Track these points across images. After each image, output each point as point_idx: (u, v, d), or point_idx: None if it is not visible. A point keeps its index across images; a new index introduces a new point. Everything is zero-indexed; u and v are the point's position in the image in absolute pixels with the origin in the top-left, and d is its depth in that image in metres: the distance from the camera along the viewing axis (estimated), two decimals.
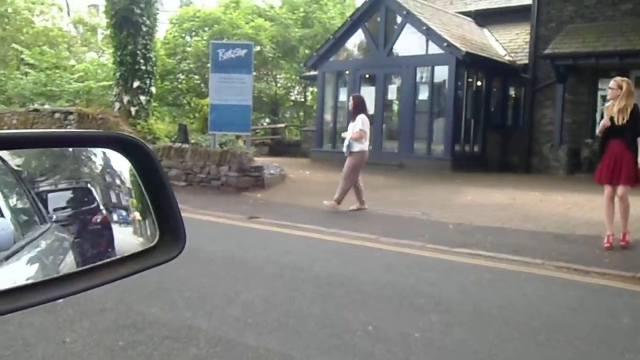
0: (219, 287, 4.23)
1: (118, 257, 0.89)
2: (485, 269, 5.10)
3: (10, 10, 18.43)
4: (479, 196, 9.37)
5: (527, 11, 14.67)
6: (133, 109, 12.00)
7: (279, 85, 23.32)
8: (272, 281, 4.50)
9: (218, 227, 7.11)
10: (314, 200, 8.62)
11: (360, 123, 8.14)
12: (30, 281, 0.78)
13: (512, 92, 15.78)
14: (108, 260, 0.88)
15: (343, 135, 8.60)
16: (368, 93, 15.08)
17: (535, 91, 14.35)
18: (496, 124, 15.07)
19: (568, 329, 3.56)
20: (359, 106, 8.39)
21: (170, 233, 0.92)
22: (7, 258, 0.76)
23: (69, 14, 25.38)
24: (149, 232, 0.94)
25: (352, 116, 8.39)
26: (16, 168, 0.84)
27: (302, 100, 23.60)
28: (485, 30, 16.43)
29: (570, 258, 5.46)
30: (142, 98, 12.12)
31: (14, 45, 17.38)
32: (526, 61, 14.57)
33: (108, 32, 13.78)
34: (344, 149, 8.28)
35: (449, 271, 5.05)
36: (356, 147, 8.13)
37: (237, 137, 12.13)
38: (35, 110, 13.00)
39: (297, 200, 8.93)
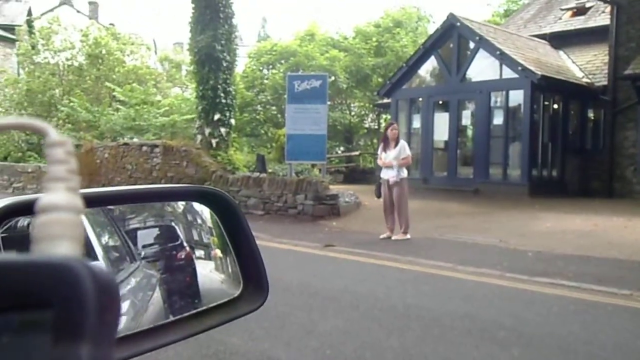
0: (296, 317, 4.30)
1: (205, 307, 0.91)
2: (568, 300, 4.94)
3: (104, 51, 19.86)
4: (558, 222, 9.07)
5: (605, 32, 14.20)
6: (214, 141, 12.55)
7: (352, 113, 23.61)
8: (348, 311, 4.56)
9: (294, 255, 7.27)
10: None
11: (406, 148, 8.36)
12: (121, 334, 0.77)
13: (590, 115, 15.20)
14: (195, 311, 0.90)
15: (383, 162, 8.39)
16: (442, 119, 15.04)
17: (616, 113, 13.77)
18: (575, 147, 14.54)
19: None
20: (399, 133, 8.76)
21: (253, 283, 0.93)
22: None
23: (156, 52, 27.05)
24: (230, 269, 0.97)
25: (389, 143, 8.34)
26: (108, 207, 0.88)
27: (376, 127, 23.74)
28: (561, 53, 16.00)
29: None
30: (222, 130, 12.66)
31: (107, 83, 18.67)
32: (605, 83, 14.04)
33: (191, 68, 14.53)
34: (391, 177, 8.20)
35: (530, 302, 4.94)
36: (405, 173, 8.32)
37: (313, 165, 12.39)
38: (125, 144, 13.85)
39: (372, 228, 9.00)
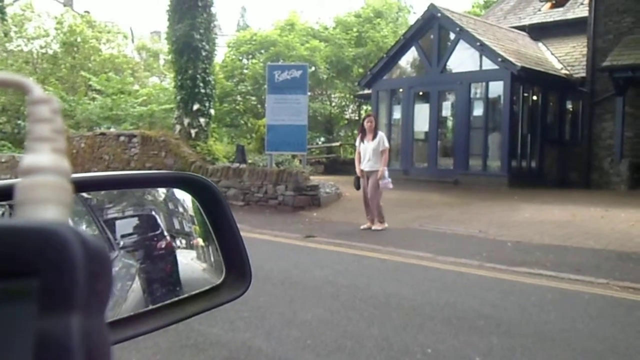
0: (276, 307, 4.31)
1: (186, 295, 0.90)
2: (546, 289, 5.01)
3: (79, 39, 19.49)
4: (537, 213, 9.17)
5: (583, 24, 14.35)
6: (193, 131, 12.42)
7: (333, 104, 23.57)
8: (329, 301, 4.56)
9: (275, 246, 7.25)
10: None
11: (384, 140, 8.33)
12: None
13: (569, 106, 15.40)
14: (177, 298, 0.89)
15: (358, 172, 8.40)
16: (422, 110, 15.09)
17: (594, 104, 13.95)
18: (553, 139, 14.72)
19: (636, 354, 3.46)
20: (377, 125, 8.73)
21: (236, 271, 0.93)
22: None
23: (133, 41, 26.61)
24: (212, 258, 0.96)
25: (367, 134, 8.29)
26: (85, 196, 0.86)
27: (357, 118, 23.75)
28: (540, 44, 16.15)
29: (636, 278, 5.29)
30: (202, 120, 12.52)
31: (82, 72, 18.34)
32: (583, 74, 14.22)
33: (169, 57, 14.35)
34: (366, 167, 8.22)
35: (508, 291, 4.98)
36: (379, 165, 8.17)
37: (293, 156, 12.33)
38: (102, 134, 13.64)
39: (353, 219, 9.01)
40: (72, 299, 0.29)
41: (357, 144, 8.61)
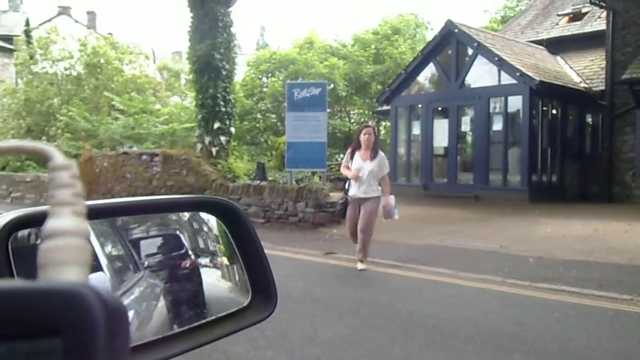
0: (298, 325, 4.30)
1: (213, 317, 0.90)
2: (569, 306, 4.96)
3: (102, 61, 19.93)
4: (559, 228, 9.08)
5: (601, 37, 14.27)
6: (214, 149, 12.56)
7: (352, 120, 23.68)
8: (350, 318, 4.56)
9: (295, 263, 7.27)
10: (389, 235, 8.66)
11: (386, 163, 6.79)
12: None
13: (589, 120, 15.28)
14: (204, 321, 0.89)
15: (351, 175, 6.59)
16: (441, 125, 15.09)
17: (614, 118, 13.82)
18: (574, 152, 14.59)
19: None
20: (377, 140, 6.94)
21: (262, 293, 0.93)
22: None
23: (154, 61, 27.11)
24: (237, 277, 0.96)
25: (364, 150, 6.58)
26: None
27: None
28: (559, 58, 16.09)
29: None
30: (222, 138, 12.67)
31: (105, 93, 18.72)
32: (603, 87, 14.11)
33: (190, 77, 14.58)
34: (359, 194, 6.52)
35: (531, 308, 4.95)
36: (377, 192, 6.61)
37: (313, 173, 12.40)
38: (125, 153, 13.87)
39: (372, 235, 8.98)
40: (95, 358, 0.30)
41: (345, 160, 6.83)
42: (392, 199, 6.66)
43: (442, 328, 4.27)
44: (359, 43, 23.95)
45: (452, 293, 5.48)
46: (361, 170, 6.49)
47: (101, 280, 0.81)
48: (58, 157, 0.40)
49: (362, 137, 6.58)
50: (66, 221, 0.37)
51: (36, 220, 0.70)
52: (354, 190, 6.55)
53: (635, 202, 12.79)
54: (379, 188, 6.58)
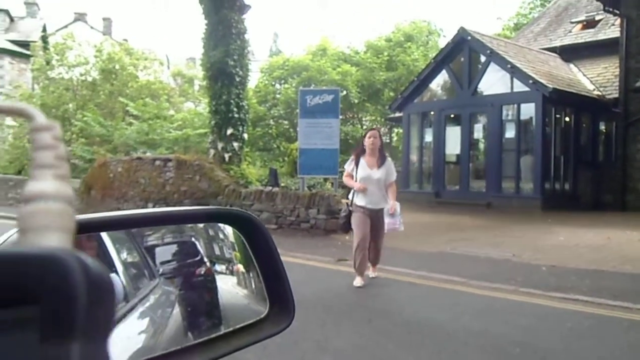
0: (309, 332, 4.28)
1: (231, 329, 0.90)
2: (583, 316, 4.92)
3: (117, 66, 20.15)
4: (572, 236, 9.03)
5: (615, 45, 14.21)
6: (227, 155, 12.63)
7: (364, 127, 23.69)
8: (362, 326, 4.56)
9: (307, 269, 7.27)
10: (401, 242, 8.65)
11: (394, 170, 6.20)
12: (147, 356, 0.78)
13: (602, 128, 15.21)
14: (222, 332, 0.89)
15: (358, 187, 5.96)
16: (453, 133, 15.06)
17: (628, 125, 13.73)
18: (587, 160, 14.51)
19: None
20: (383, 144, 6.37)
21: (279, 304, 0.93)
22: (124, 316, 0.79)
23: (169, 67, 27.34)
24: (253, 285, 0.97)
25: (369, 157, 6.01)
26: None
27: (388, 141, 23.81)
28: (572, 66, 16.03)
29: None
30: (235, 144, 12.74)
31: (120, 98, 18.90)
32: (616, 95, 14.04)
33: (204, 83, 14.68)
34: (368, 204, 5.94)
35: (544, 317, 4.91)
36: (387, 202, 6.02)
37: (325, 179, 12.42)
38: (138, 158, 13.97)
39: (384, 243, 8.98)
40: (73, 326, 0.29)
41: (348, 167, 6.19)
42: (397, 205, 6.03)
43: (453, 336, 4.26)
44: (371, 50, 24.01)
45: (463, 301, 5.46)
46: (368, 179, 5.93)
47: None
48: (40, 117, 0.38)
49: (367, 141, 6.02)
50: (47, 184, 0.35)
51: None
52: (362, 202, 5.95)
53: None
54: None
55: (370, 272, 6.37)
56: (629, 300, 5.30)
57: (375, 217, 5.99)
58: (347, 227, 6.23)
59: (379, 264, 6.49)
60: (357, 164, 6.03)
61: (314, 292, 5.76)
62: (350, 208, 6.11)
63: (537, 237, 9.15)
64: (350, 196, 6.22)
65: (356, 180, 5.99)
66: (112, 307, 0.33)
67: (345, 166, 6.26)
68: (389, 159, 6.23)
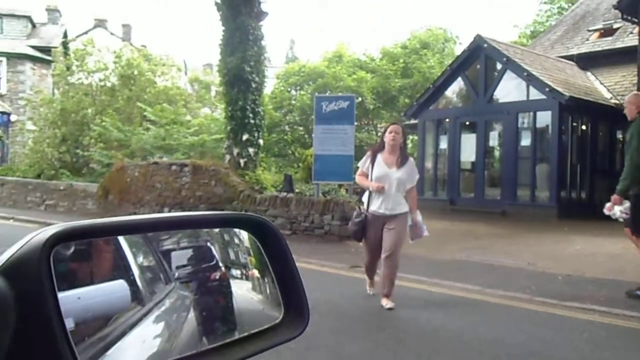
0: (323, 338, 4.29)
1: (246, 334, 0.91)
2: (599, 326, 4.88)
3: (136, 72, 20.35)
4: (588, 245, 8.95)
5: (633, 53, 14.06)
6: (242, 161, 12.71)
7: (379, 134, 23.70)
8: (375, 333, 4.57)
9: (321, 275, 7.28)
10: (416, 249, 8.61)
11: (416, 171, 5.47)
12: None
13: (619, 136, 15.03)
14: (237, 337, 0.90)
15: (373, 186, 5.24)
16: (469, 140, 15.02)
17: None
18: (604, 169, 14.37)
19: None
20: (405, 142, 5.56)
21: (294, 310, 0.95)
22: (139, 319, 0.81)
23: (186, 73, 27.58)
24: (268, 290, 0.97)
25: (388, 154, 5.28)
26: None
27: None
28: (589, 74, 15.92)
29: None
30: (251, 150, 12.82)
31: (138, 103, 19.09)
32: None
33: (221, 89, 14.77)
34: (385, 210, 5.23)
35: (560, 327, 4.88)
36: (405, 206, 5.34)
37: (340, 186, 12.45)
38: (155, 163, 14.10)
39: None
40: None
41: (362, 166, 5.45)
42: (419, 215, 5.45)
43: (467, 345, 4.26)
44: (387, 57, 24.05)
45: (478, 310, 5.45)
46: (385, 178, 5.17)
47: (121, 289, 0.81)
48: None
49: (388, 137, 5.25)
50: None
51: (78, 234, 0.74)
52: (375, 206, 5.23)
53: None
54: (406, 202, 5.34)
55: (384, 302, 5.28)
56: None
57: (387, 224, 5.24)
58: (358, 236, 5.47)
59: (390, 290, 5.33)
60: (373, 162, 5.31)
61: (327, 298, 5.77)
62: (366, 213, 5.35)
63: (552, 245, 9.08)
64: (364, 199, 5.50)
65: (371, 180, 5.29)
66: (5, 324, 0.30)
67: (359, 164, 5.51)
68: (412, 159, 5.47)
